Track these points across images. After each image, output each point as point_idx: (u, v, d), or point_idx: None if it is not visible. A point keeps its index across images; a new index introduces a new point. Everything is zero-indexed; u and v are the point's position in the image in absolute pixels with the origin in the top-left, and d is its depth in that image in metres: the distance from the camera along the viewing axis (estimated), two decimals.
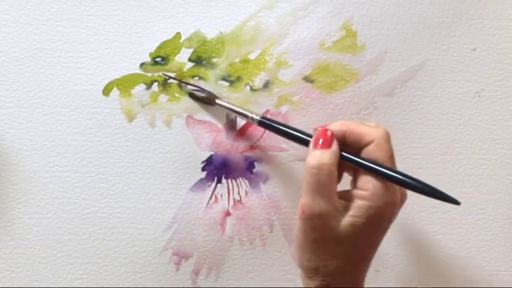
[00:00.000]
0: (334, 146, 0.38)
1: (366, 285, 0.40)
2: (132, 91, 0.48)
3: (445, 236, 0.49)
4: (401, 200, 0.39)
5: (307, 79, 0.48)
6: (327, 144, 0.38)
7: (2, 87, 0.47)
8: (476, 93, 0.49)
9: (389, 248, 0.49)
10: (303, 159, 0.48)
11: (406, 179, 0.37)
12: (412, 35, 0.49)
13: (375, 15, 0.49)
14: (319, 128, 0.39)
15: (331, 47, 0.48)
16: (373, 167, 0.37)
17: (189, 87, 0.47)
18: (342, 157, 0.38)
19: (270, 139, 0.48)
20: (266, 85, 0.48)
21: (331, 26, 0.48)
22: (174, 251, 0.48)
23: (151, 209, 0.48)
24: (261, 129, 0.48)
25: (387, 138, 0.38)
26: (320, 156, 0.37)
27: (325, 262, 0.38)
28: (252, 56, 0.48)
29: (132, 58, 0.48)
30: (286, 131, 0.42)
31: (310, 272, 0.38)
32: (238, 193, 0.49)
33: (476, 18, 0.49)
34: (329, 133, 0.38)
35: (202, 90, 0.47)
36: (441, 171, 0.49)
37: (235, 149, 0.48)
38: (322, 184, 0.37)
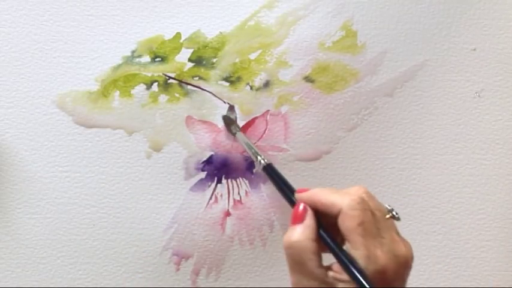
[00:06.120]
0: (308, 219, 0.36)
1: None
2: (132, 91, 0.48)
3: (445, 236, 0.49)
4: (402, 266, 0.35)
5: (307, 79, 0.48)
6: (298, 219, 0.36)
7: (2, 87, 0.47)
8: (476, 93, 0.49)
9: None
10: (303, 159, 0.48)
11: (352, 267, 0.34)
12: (412, 35, 0.49)
13: (375, 15, 0.49)
14: (296, 194, 0.38)
15: (331, 47, 0.48)
16: (334, 252, 0.35)
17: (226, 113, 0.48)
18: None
19: (270, 139, 0.48)
20: (266, 85, 0.48)
21: (331, 26, 0.48)
22: (174, 251, 0.48)
23: (151, 209, 0.48)
24: (261, 129, 0.48)
25: (354, 205, 0.35)
26: (290, 235, 0.36)
27: None
28: (252, 56, 0.48)
29: (132, 58, 0.48)
30: (282, 188, 0.40)
31: None
32: (238, 193, 0.49)
33: (476, 18, 0.49)
34: (301, 208, 0.37)
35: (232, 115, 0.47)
36: (441, 171, 0.49)
37: (235, 149, 0.48)
38: (298, 263, 0.35)
